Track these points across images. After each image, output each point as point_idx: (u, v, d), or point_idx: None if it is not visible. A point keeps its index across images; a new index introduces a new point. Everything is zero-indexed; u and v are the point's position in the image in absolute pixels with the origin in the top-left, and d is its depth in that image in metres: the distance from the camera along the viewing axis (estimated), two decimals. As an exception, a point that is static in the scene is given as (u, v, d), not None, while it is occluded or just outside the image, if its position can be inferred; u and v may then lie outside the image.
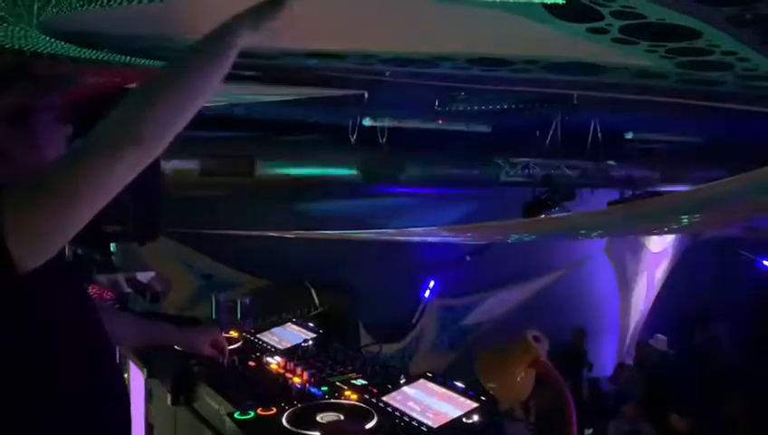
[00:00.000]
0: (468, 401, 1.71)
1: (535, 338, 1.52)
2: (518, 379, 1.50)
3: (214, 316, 2.96)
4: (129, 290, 3.57)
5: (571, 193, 7.30)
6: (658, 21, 2.51)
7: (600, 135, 6.99)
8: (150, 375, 2.26)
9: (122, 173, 1.20)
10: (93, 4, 2.08)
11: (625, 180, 8.00)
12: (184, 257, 7.22)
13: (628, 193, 7.85)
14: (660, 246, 10.38)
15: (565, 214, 7.18)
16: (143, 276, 3.88)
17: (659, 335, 8.61)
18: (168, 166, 6.05)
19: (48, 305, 1.35)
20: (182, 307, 6.37)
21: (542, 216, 7.20)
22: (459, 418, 1.64)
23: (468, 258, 9.28)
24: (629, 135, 7.90)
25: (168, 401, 2.09)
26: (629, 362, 9.20)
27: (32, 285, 1.23)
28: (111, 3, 2.10)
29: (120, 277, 3.62)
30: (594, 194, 7.85)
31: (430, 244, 8.42)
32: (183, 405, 2.08)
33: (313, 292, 7.14)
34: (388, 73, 3.91)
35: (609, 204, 7.79)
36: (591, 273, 9.92)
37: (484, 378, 1.56)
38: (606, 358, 9.51)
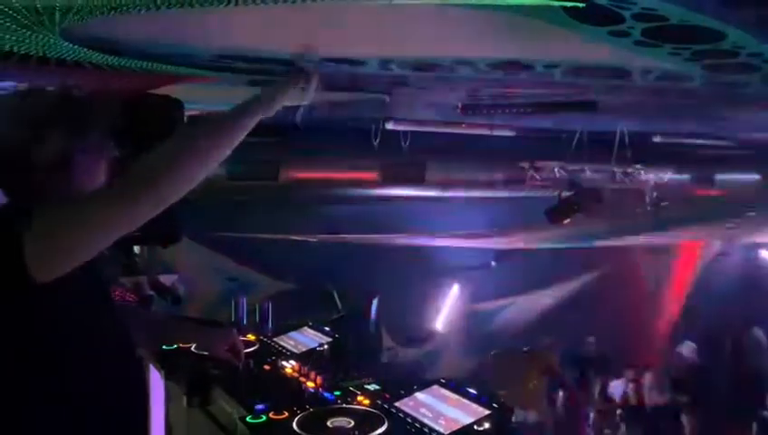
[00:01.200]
0: (480, 409, 1.70)
1: (549, 347, 1.50)
2: (530, 386, 1.48)
3: (233, 319, 2.98)
4: (151, 292, 3.62)
5: (597, 197, 7.19)
6: (681, 23, 2.47)
7: (627, 138, 6.89)
8: (168, 377, 2.28)
9: (139, 215, 1.32)
10: (113, 12, 2.11)
11: (653, 185, 7.86)
12: (210, 260, 7.29)
13: (656, 198, 7.71)
14: (691, 251, 10.20)
15: (591, 218, 7.09)
16: (166, 279, 3.93)
17: (689, 342, 8.44)
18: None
19: (70, 306, 1.39)
20: (208, 309, 6.43)
21: (567, 220, 7.12)
22: (471, 425, 1.63)
23: (494, 263, 9.23)
24: (657, 138, 7.77)
25: (184, 403, 2.11)
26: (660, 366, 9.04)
27: (55, 286, 1.29)
28: (130, 10, 2.13)
29: (143, 279, 3.67)
30: (621, 198, 7.73)
31: (455, 248, 8.40)
32: (198, 407, 2.10)
33: (336, 296, 7.19)
34: (406, 80, 3.91)
35: (636, 208, 7.68)
36: (620, 278, 9.77)
37: (497, 384, 1.55)
38: (634, 365, 9.34)
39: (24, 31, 2.18)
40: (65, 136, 1.44)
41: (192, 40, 3.06)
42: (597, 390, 7.56)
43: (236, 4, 2.17)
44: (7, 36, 2.23)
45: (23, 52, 2.41)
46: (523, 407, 1.41)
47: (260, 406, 1.76)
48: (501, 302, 9.10)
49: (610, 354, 8.40)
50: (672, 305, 10.30)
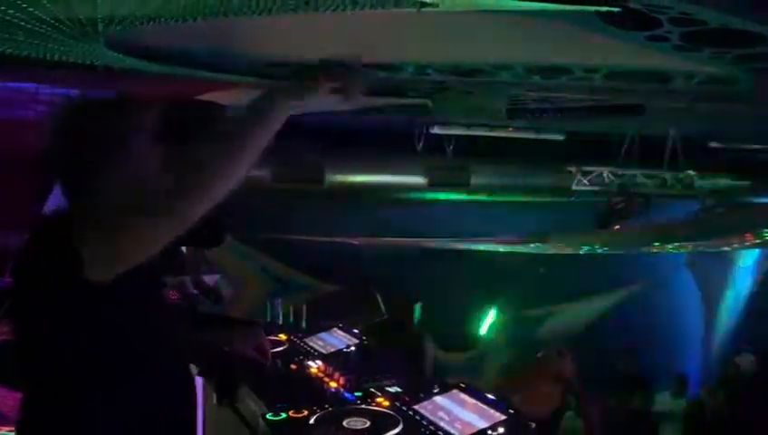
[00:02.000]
0: (497, 414, 1.70)
1: (560, 354, 1.50)
2: (542, 392, 1.49)
3: (269, 319, 3.05)
4: (195, 291, 3.73)
5: (647, 203, 7.03)
6: (720, 27, 2.41)
7: (680, 143, 6.71)
8: (199, 374, 2.36)
9: (187, 224, 1.34)
10: (152, 22, 2.21)
11: (708, 191, 7.64)
12: (257, 261, 7.43)
13: (711, 204, 7.48)
14: (748, 260, 9.83)
15: (641, 225, 6.93)
16: (209, 279, 4.04)
17: (746, 353, 8.14)
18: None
19: (127, 306, 1.45)
20: (254, 310, 6.56)
21: (617, 227, 6.98)
22: (485, 430, 1.64)
23: (542, 270, 9.10)
24: (713, 144, 7.54)
25: (214, 400, 2.18)
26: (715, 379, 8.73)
27: (112, 286, 1.36)
28: (168, 20, 2.22)
29: (187, 279, 3.79)
30: (673, 205, 7.53)
31: (501, 253, 8.33)
32: (227, 405, 2.16)
33: (379, 299, 7.23)
34: (445, 84, 3.92)
35: (692, 215, 7.48)
36: (672, 287, 9.50)
37: (510, 390, 1.56)
38: (690, 378, 9.06)
39: (71, 41, 2.30)
40: (120, 139, 1.50)
41: (232, 48, 3.16)
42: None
43: (270, 13, 2.24)
44: (56, 46, 2.35)
45: (71, 60, 2.54)
46: (538, 413, 1.41)
47: (281, 404, 1.81)
48: (548, 309, 8.97)
49: (657, 367, 8.17)
50: (728, 316, 9.95)
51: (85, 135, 1.48)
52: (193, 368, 2.40)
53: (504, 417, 1.67)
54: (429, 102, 4.93)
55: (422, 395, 1.87)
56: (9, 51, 2.28)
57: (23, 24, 2.00)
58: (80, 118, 1.52)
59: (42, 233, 1.48)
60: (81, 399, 1.43)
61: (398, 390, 1.95)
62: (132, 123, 1.53)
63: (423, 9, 2.22)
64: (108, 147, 1.48)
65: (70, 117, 1.53)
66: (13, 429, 3.31)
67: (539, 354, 1.57)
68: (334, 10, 2.16)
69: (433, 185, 6.85)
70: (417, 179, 6.80)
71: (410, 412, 1.77)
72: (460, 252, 7.63)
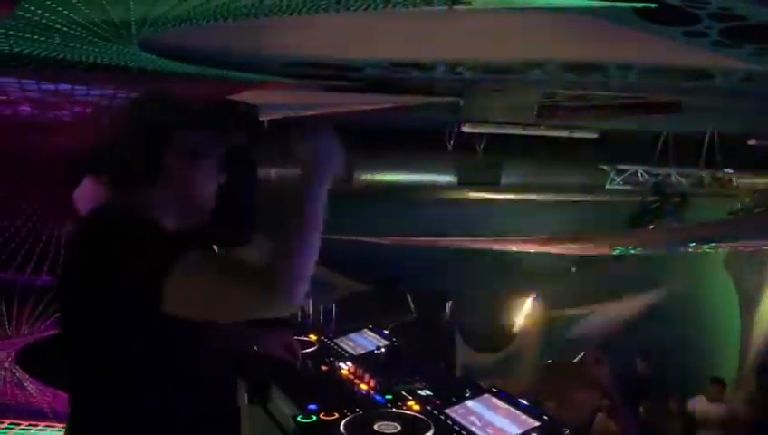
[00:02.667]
0: (530, 420, 1.68)
1: (597, 360, 1.46)
2: (577, 399, 1.45)
3: (299, 319, 3.05)
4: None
5: (683, 203, 6.88)
6: (760, 22, 2.33)
7: (717, 141, 6.56)
8: (234, 374, 2.37)
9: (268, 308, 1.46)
10: (184, 23, 2.22)
11: (746, 190, 7.45)
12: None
13: (749, 203, 7.29)
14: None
15: (676, 225, 6.79)
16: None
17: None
18: (272, 172, 6.31)
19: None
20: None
21: (651, 227, 6.85)
22: (517, 436, 1.61)
23: (573, 269, 8.98)
24: (753, 141, 7.35)
25: (246, 400, 2.19)
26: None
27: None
28: (201, 21, 2.23)
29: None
30: (710, 204, 7.37)
31: (532, 253, 8.23)
32: (258, 405, 2.17)
33: (410, 298, 7.21)
34: (477, 83, 3.88)
35: (729, 214, 7.30)
36: (708, 288, 9.29)
37: (543, 396, 1.52)
38: (726, 381, 8.86)
39: (106, 43, 2.32)
40: (205, 135, 1.54)
41: (265, 48, 3.17)
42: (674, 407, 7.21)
43: (300, 13, 2.23)
44: (91, 48, 2.37)
45: (105, 63, 2.56)
46: (571, 420, 1.37)
47: (312, 406, 1.80)
48: (580, 310, 8.85)
49: (692, 370, 8.01)
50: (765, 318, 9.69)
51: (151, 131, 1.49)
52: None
53: (537, 423, 1.64)
54: (460, 101, 4.89)
55: (454, 399, 1.86)
56: (45, 53, 2.31)
57: (58, 27, 2.02)
58: (144, 116, 1.52)
59: (100, 233, 1.46)
60: (126, 399, 1.45)
61: (429, 393, 1.94)
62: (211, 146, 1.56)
63: (454, 6, 2.19)
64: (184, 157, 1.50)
65: (132, 115, 1.54)
66: (50, 423, 3.37)
67: (575, 361, 1.53)
68: (366, 9, 2.15)
69: (463, 184, 6.80)
70: (448, 178, 6.75)
71: (441, 416, 1.75)
72: (490, 252, 7.56)
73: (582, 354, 1.87)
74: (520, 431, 1.63)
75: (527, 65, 3.30)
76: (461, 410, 1.78)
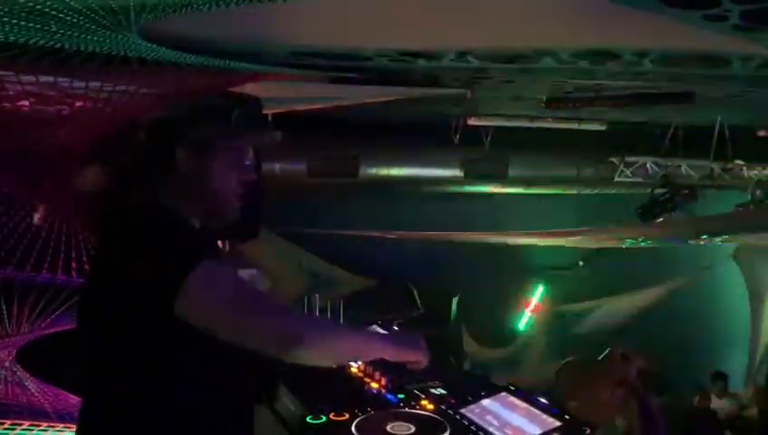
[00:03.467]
0: (550, 419, 1.60)
1: (624, 357, 1.38)
2: (603, 398, 1.37)
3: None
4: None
5: (693, 195, 6.78)
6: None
7: (726, 132, 6.46)
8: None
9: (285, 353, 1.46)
10: (185, 9, 2.14)
11: (757, 182, 7.35)
12: (295, 256, 7.40)
13: (760, 195, 7.18)
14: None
15: (686, 217, 6.69)
16: (245, 274, 3.98)
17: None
18: (277, 167, 6.24)
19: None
20: (291, 305, 6.52)
21: (661, 219, 6.76)
22: (539, 437, 1.53)
23: (581, 263, 8.90)
24: (762, 132, 7.25)
25: (252, 400, 2.12)
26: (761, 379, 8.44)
27: None
28: (201, 7, 2.15)
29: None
30: (720, 196, 7.27)
31: (540, 247, 8.16)
32: (265, 404, 2.09)
33: (416, 294, 7.14)
34: (486, 73, 3.79)
35: (738, 206, 7.20)
36: (717, 281, 9.19)
37: (567, 395, 1.44)
38: (734, 375, 8.78)
39: (104, 31, 2.24)
40: (218, 129, 1.52)
41: (269, 37, 3.09)
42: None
43: (305, -2, 2.15)
44: (89, 37, 2.29)
45: (105, 52, 2.48)
46: (595, 421, 1.32)
47: (321, 406, 1.73)
48: (588, 304, 8.76)
49: (701, 365, 7.93)
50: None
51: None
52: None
53: (558, 423, 1.56)
54: (468, 93, 4.81)
55: (469, 398, 1.78)
56: (42, 42, 2.23)
57: (54, 13, 1.94)
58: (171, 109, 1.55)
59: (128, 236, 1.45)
60: (140, 413, 1.41)
61: (443, 392, 1.86)
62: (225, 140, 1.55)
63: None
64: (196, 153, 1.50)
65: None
66: (51, 423, 3.30)
67: (600, 358, 1.46)
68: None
69: (470, 177, 6.72)
70: (454, 172, 6.67)
71: (457, 416, 1.67)
72: (498, 245, 7.48)
73: (608, 351, 1.81)
74: (540, 431, 1.55)
75: (539, 52, 3.22)
76: (477, 410, 1.70)
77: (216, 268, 1.39)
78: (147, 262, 1.36)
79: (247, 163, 1.61)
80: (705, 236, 6.73)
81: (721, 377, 7.70)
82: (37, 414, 3.20)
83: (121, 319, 1.39)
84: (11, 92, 2.83)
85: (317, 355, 1.50)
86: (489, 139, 6.49)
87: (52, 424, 3.17)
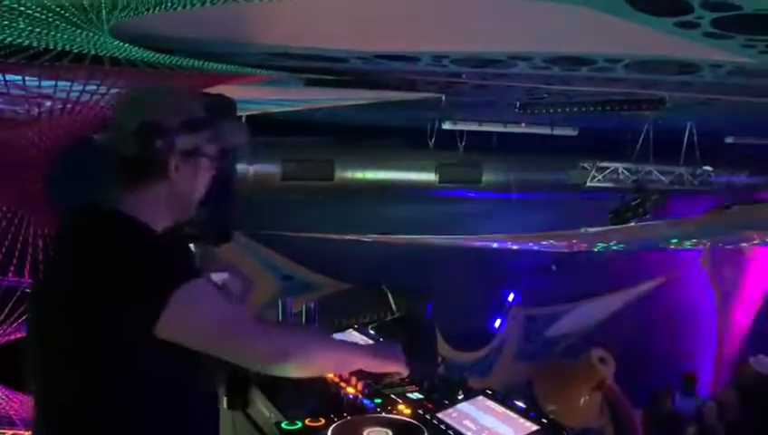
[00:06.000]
0: (528, 424, 1.59)
1: (601, 360, 1.39)
2: (581, 402, 1.37)
3: (279, 320, 2.94)
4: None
5: (663, 200, 6.90)
6: (756, 12, 2.29)
7: (696, 139, 6.58)
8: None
9: (273, 366, 1.52)
10: (158, 8, 2.10)
11: (725, 187, 7.51)
12: (266, 259, 7.34)
13: (728, 200, 7.33)
14: (765, 258, 9.66)
15: (656, 222, 6.79)
16: (218, 277, 3.93)
17: (762, 356, 7.99)
18: (251, 169, 6.18)
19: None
20: (263, 308, 6.46)
21: (632, 223, 6.85)
22: (516, 441, 1.53)
23: (554, 267, 8.97)
24: (730, 139, 7.41)
25: (224, 404, 2.08)
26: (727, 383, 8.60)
27: None
28: (175, 7, 2.11)
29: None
30: (689, 201, 7.40)
31: (513, 251, 8.20)
32: (239, 409, 2.06)
33: (390, 297, 7.11)
34: (463, 75, 3.81)
35: (707, 212, 7.33)
36: (686, 285, 9.35)
37: (544, 400, 1.44)
38: (702, 378, 8.93)
39: (74, 29, 2.19)
40: (206, 136, 1.52)
41: (244, 38, 3.05)
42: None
43: (282, -2, 2.13)
44: (59, 35, 2.24)
45: (75, 50, 2.43)
46: (574, 424, 1.32)
47: (296, 411, 1.71)
48: (561, 307, 8.84)
49: (669, 367, 8.04)
50: (742, 316, 9.80)
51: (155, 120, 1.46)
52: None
53: (536, 427, 1.56)
54: (443, 97, 4.82)
55: (446, 402, 1.77)
56: (9, 40, 2.17)
57: (22, 9, 1.89)
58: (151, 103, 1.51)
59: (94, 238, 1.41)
60: (114, 398, 1.38)
61: (420, 396, 1.85)
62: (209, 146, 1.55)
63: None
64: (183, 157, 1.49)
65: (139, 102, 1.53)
66: (17, 432, 3.21)
67: (577, 361, 1.46)
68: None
69: (444, 182, 6.74)
70: (429, 176, 6.69)
71: (434, 421, 1.66)
72: (472, 249, 7.51)
73: (586, 354, 1.81)
74: (518, 436, 1.54)
75: (513, 57, 3.23)
76: (454, 414, 1.70)
77: (199, 288, 1.37)
78: (126, 277, 1.33)
79: (219, 166, 1.61)
80: (675, 241, 6.83)
81: (690, 375, 7.83)
82: (2, 422, 3.11)
83: (90, 325, 1.35)
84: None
85: (301, 369, 1.54)
86: (463, 143, 6.52)
87: (17, 432, 3.09)
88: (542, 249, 7.77)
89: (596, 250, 7.42)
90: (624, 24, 2.63)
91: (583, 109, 5.14)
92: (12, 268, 3.21)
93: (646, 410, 6.35)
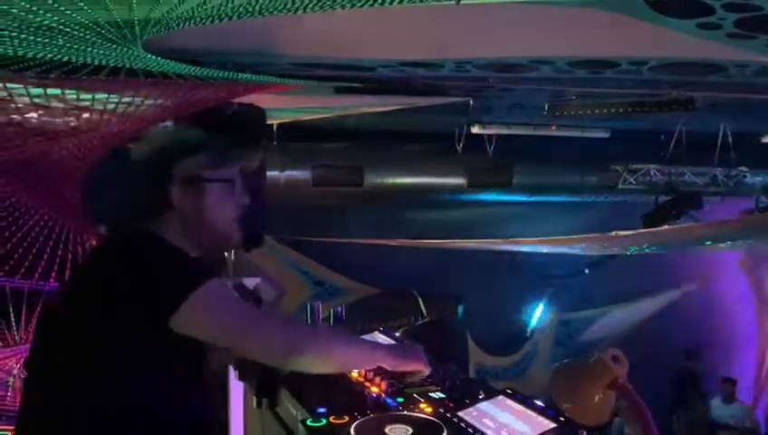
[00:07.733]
0: (546, 422, 1.62)
1: (615, 359, 1.41)
2: (595, 400, 1.40)
3: (309, 322, 3.01)
4: (235, 294, 3.71)
5: (697, 202, 6.79)
6: (779, 12, 2.28)
7: (730, 139, 6.48)
8: (240, 378, 2.34)
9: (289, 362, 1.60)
10: (189, 23, 2.19)
11: (761, 188, 7.36)
12: (298, 264, 7.44)
13: (765, 202, 7.19)
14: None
15: (690, 224, 6.70)
16: (249, 282, 4.02)
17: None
18: (282, 176, 6.29)
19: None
20: (295, 313, 6.56)
21: (665, 226, 6.76)
22: (533, 438, 1.56)
23: (587, 271, 8.89)
24: (766, 139, 7.26)
25: (254, 404, 2.15)
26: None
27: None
28: (204, 21, 2.20)
29: (227, 282, 3.77)
30: (724, 203, 7.27)
31: (545, 254, 8.16)
32: (267, 408, 2.13)
33: (421, 301, 7.15)
34: (490, 80, 3.84)
35: (743, 214, 7.20)
36: (724, 289, 9.17)
37: (558, 397, 1.47)
38: (741, 385, 8.74)
39: (110, 45, 2.30)
40: (200, 162, 1.55)
41: (272, 49, 3.14)
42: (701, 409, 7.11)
43: (305, 11, 2.20)
44: (95, 51, 2.35)
45: (111, 64, 2.54)
46: (588, 422, 1.32)
47: (321, 409, 1.76)
48: (594, 311, 8.75)
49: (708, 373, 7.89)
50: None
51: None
52: (232, 372, 2.38)
53: (553, 425, 1.59)
54: (470, 101, 4.85)
55: (467, 401, 1.80)
56: (50, 56, 2.29)
57: (61, 27, 2.00)
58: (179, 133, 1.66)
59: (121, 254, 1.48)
60: (116, 396, 1.43)
61: (442, 395, 1.89)
62: (210, 171, 1.58)
63: (462, 2, 2.15)
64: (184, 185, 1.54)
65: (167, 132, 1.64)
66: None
67: (591, 360, 1.48)
68: (372, 5, 2.11)
69: (474, 186, 6.75)
70: (458, 180, 6.71)
71: (454, 419, 1.70)
72: (503, 253, 7.49)
73: (599, 353, 1.82)
74: (535, 434, 1.57)
75: (536, 62, 3.26)
76: (474, 413, 1.73)
77: (217, 286, 1.44)
78: (145, 279, 1.39)
79: (242, 188, 1.63)
80: (708, 243, 6.73)
81: (730, 382, 7.68)
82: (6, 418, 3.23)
83: (104, 326, 1.40)
84: (19, 105, 2.89)
85: (318, 364, 1.58)
86: (492, 147, 6.53)
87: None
88: (574, 253, 7.71)
89: (628, 253, 7.34)
90: (648, 25, 2.64)
91: (612, 110, 5.11)
92: (53, 274, 3.34)
93: (678, 414, 6.27)
